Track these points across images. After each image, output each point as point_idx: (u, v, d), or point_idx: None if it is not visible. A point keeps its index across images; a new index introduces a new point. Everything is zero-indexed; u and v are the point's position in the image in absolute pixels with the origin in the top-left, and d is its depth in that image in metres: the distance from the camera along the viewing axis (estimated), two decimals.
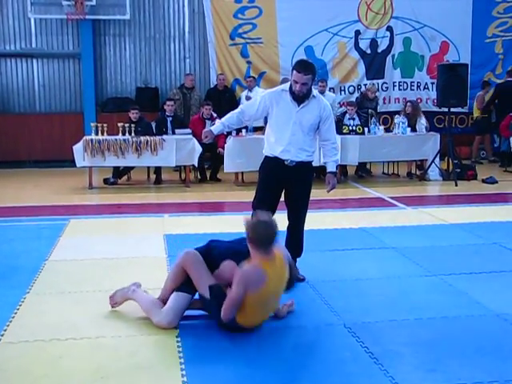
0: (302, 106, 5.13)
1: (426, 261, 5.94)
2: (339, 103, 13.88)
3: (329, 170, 5.47)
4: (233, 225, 7.52)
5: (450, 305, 4.75)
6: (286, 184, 5.26)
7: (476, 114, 14.31)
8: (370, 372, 3.65)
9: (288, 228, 5.39)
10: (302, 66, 5.02)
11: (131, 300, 4.59)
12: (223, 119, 5.46)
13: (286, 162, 5.19)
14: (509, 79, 13.82)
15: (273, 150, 5.26)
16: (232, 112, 5.46)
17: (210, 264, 4.32)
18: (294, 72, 5.01)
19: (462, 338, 4.13)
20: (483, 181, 11.18)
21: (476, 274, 5.53)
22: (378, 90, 13.81)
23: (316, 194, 9.81)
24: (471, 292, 5.02)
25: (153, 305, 4.42)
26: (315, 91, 5.24)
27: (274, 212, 5.09)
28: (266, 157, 5.37)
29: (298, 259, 5.40)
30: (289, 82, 5.20)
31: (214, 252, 4.38)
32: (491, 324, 4.38)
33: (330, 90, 14.00)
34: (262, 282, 3.97)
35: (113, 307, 4.65)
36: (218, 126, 5.43)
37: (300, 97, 5.08)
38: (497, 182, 11.02)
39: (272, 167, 5.28)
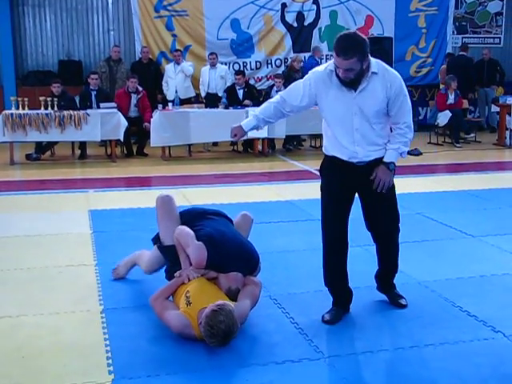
0: (359, 89, 3.81)
1: (351, 232, 5.98)
2: (266, 76, 13.93)
3: (384, 159, 4.13)
4: None
5: (374, 274, 4.83)
6: (358, 190, 4.12)
7: (442, 86, 14.48)
8: (295, 342, 3.69)
9: (377, 250, 4.42)
10: (341, 47, 3.66)
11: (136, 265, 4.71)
12: (256, 111, 4.13)
13: (354, 163, 3.99)
14: (461, 53, 14.10)
15: (334, 151, 4.00)
16: (269, 101, 4.14)
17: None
18: (334, 54, 3.72)
19: (384, 306, 4.23)
20: (408, 153, 11.35)
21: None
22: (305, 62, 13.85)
23: (243, 167, 9.93)
24: None
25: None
26: (376, 64, 3.86)
27: (346, 231, 4.26)
28: (327, 156, 4.11)
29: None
30: None
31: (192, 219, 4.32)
32: (413, 291, 4.49)
33: (256, 63, 13.99)
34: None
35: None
36: (250, 121, 4.09)
37: (348, 82, 3.80)
38: (421, 154, 11.26)
39: (336, 170, 4.04)
